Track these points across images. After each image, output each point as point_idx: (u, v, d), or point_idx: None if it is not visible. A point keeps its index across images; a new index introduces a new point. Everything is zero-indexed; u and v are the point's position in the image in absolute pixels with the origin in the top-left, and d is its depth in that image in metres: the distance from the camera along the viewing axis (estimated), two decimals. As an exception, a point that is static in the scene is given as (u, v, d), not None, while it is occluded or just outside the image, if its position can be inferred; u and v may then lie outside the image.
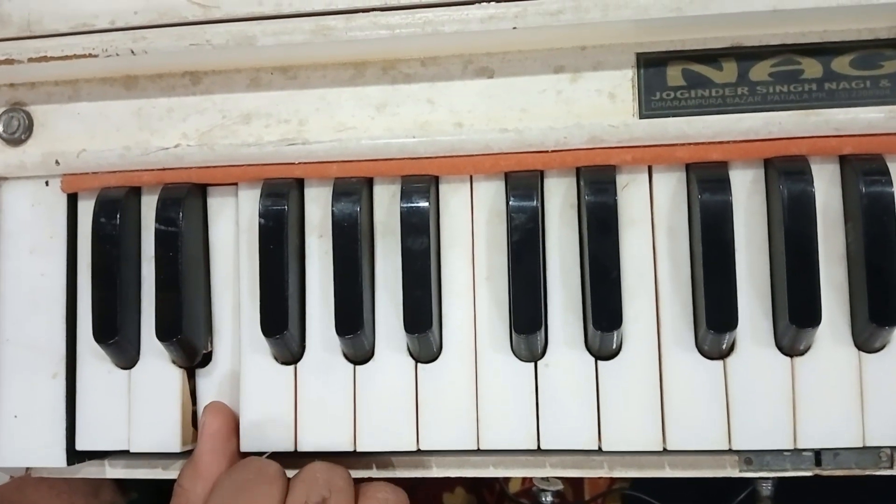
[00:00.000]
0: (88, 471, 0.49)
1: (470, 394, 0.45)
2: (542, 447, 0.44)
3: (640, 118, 0.44)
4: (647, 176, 0.45)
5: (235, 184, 0.47)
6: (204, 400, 0.47)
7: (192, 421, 0.48)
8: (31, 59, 0.45)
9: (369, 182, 0.46)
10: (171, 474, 0.47)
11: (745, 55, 0.43)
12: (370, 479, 0.44)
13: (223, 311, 0.48)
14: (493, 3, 0.42)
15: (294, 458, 0.45)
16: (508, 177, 0.45)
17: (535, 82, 0.45)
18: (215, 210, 0.48)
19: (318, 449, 0.46)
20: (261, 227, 0.45)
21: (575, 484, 0.62)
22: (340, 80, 0.46)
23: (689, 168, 0.44)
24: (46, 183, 0.49)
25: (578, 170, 0.45)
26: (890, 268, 0.41)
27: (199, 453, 0.45)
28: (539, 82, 0.45)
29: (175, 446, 0.47)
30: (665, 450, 0.43)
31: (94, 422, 0.48)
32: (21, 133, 0.48)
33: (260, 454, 0.45)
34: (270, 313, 0.45)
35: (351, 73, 0.46)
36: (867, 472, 0.43)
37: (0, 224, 0.49)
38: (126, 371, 0.48)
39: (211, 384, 0.48)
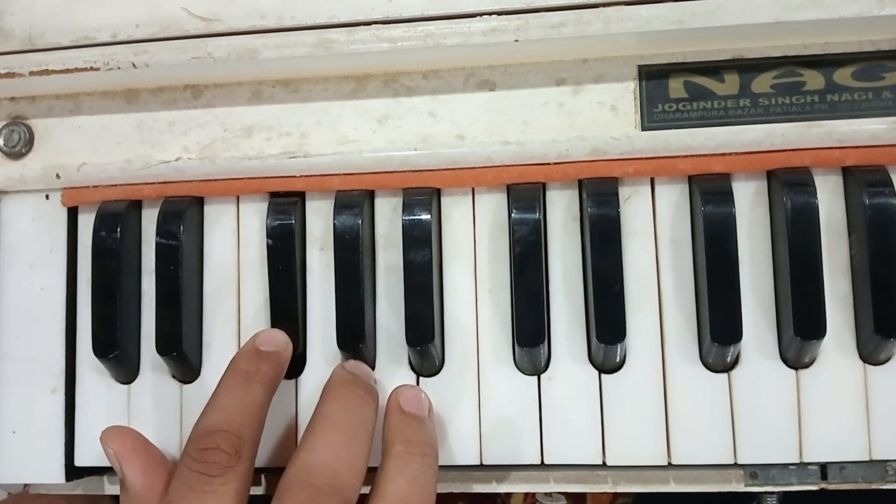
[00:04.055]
0: (87, 487, 0.48)
1: (472, 408, 0.45)
2: (546, 462, 0.44)
3: (643, 130, 0.44)
4: (649, 188, 0.45)
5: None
6: (191, 416, 0.46)
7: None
8: (32, 73, 0.45)
9: (371, 195, 0.46)
10: (170, 490, 0.47)
11: (747, 67, 0.43)
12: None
13: (214, 325, 0.47)
14: (494, 16, 0.42)
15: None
16: (510, 189, 0.45)
17: (536, 95, 0.45)
18: (211, 219, 0.48)
19: (320, 464, 0.45)
20: (269, 247, 0.45)
21: (577, 499, 0.61)
22: (342, 93, 0.46)
23: (691, 180, 0.44)
24: (47, 196, 0.49)
25: (581, 182, 0.45)
26: (895, 279, 0.41)
27: (129, 482, 0.42)
28: (541, 95, 0.45)
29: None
30: (670, 464, 0.43)
31: (93, 437, 0.47)
32: (22, 147, 0.48)
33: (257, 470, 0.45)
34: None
35: (353, 86, 0.46)
36: (874, 486, 0.43)
37: (0, 238, 0.49)
38: (126, 386, 0.48)
39: (199, 400, 0.46)
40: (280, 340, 0.44)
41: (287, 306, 0.45)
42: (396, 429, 0.41)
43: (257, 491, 0.45)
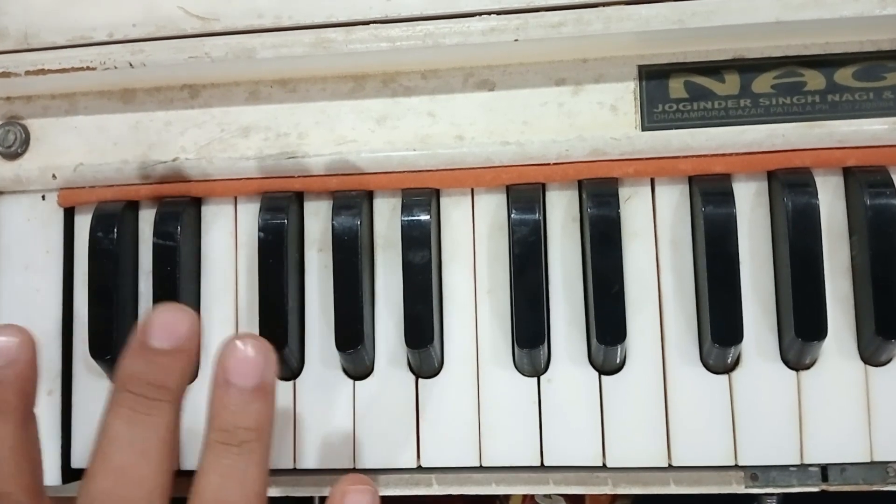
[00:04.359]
0: (84, 489, 0.48)
1: (472, 409, 0.44)
2: (546, 464, 0.43)
3: (643, 130, 0.43)
4: (649, 188, 0.44)
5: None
6: (187, 418, 0.45)
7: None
8: (28, 72, 0.45)
9: (369, 195, 0.46)
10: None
11: (748, 67, 0.43)
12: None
13: (211, 326, 0.47)
14: (494, 16, 0.42)
15: (291, 476, 0.45)
16: (510, 190, 0.45)
17: (536, 95, 0.44)
18: (208, 220, 0.47)
19: (315, 466, 0.45)
20: (260, 241, 0.44)
21: (575, 501, 0.61)
22: (340, 93, 0.46)
23: (692, 180, 0.44)
24: (43, 197, 0.48)
25: (580, 182, 0.45)
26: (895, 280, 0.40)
27: None
28: (540, 95, 0.44)
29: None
30: (670, 466, 0.43)
31: (89, 439, 0.47)
32: (17, 147, 0.47)
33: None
34: (270, 329, 0.44)
35: (351, 86, 0.46)
36: (874, 488, 0.42)
37: (-5, 239, 0.49)
38: (122, 388, 0.47)
39: (194, 401, 0.46)
40: (10, 347, 0.34)
41: (276, 300, 0.44)
42: (214, 410, 0.35)
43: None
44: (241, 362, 0.35)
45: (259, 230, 0.45)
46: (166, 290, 0.45)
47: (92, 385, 0.47)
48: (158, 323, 0.34)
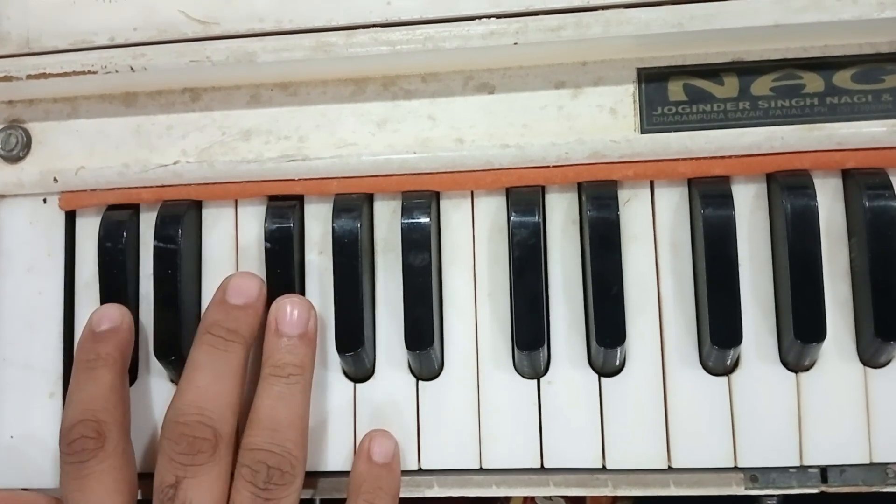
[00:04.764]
0: (85, 492, 0.48)
1: (472, 412, 0.44)
2: (546, 465, 0.44)
3: (642, 133, 0.43)
4: (649, 191, 0.45)
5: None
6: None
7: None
8: (29, 76, 0.45)
9: (370, 198, 0.46)
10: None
11: (747, 70, 0.43)
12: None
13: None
14: (493, 19, 0.42)
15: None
16: (510, 192, 0.45)
17: (536, 98, 0.44)
18: (209, 223, 0.48)
19: (316, 469, 0.45)
20: (267, 250, 0.45)
21: (576, 502, 0.61)
22: (341, 96, 0.46)
23: (691, 183, 0.44)
24: (44, 200, 0.49)
25: (580, 185, 0.45)
26: (895, 282, 0.40)
27: None
28: (540, 98, 0.44)
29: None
30: (670, 468, 0.43)
31: (91, 442, 0.47)
32: (19, 150, 0.48)
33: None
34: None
35: (351, 89, 0.46)
36: (874, 489, 0.43)
37: (-3, 242, 0.49)
38: (124, 390, 0.47)
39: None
40: (113, 315, 0.45)
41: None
42: (268, 351, 0.43)
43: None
44: (290, 315, 0.44)
45: (266, 240, 0.45)
46: (167, 293, 0.45)
47: (93, 388, 0.47)
48: (234, 285, 0.44)
